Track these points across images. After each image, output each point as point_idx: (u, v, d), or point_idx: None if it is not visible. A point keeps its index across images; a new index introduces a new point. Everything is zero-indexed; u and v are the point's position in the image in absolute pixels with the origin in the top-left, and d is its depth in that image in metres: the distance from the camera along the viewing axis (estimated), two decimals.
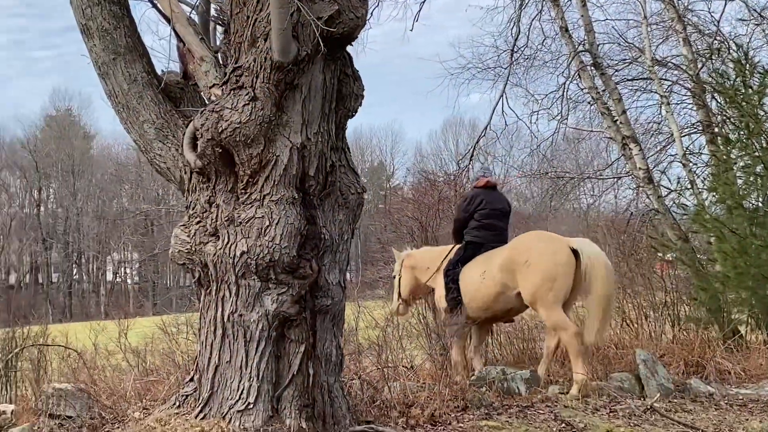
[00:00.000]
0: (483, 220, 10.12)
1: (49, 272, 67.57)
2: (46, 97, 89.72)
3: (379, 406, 8.53)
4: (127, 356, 11.47)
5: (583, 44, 16.42)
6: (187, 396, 7.52)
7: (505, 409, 8.87)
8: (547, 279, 9.24)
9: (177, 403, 7.53)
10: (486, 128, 16.89)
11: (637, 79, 18.99)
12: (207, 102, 7.59)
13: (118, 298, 67.06)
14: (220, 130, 6.97)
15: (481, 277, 9.77)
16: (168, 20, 7.76)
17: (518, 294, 9.53)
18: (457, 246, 10.42)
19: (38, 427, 8.35)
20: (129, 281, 71.85)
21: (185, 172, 7.60)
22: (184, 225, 7.48)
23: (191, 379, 7.61)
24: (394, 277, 11.28)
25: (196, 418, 7.16)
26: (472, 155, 16.95)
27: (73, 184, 66.83)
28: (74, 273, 71.00)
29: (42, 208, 69.28)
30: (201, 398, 7.27)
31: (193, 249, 7.32)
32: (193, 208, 7.48)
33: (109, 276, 71.96)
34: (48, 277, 67.70)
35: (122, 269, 71.80)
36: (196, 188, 7.47)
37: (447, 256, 10.43)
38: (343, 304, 7.66)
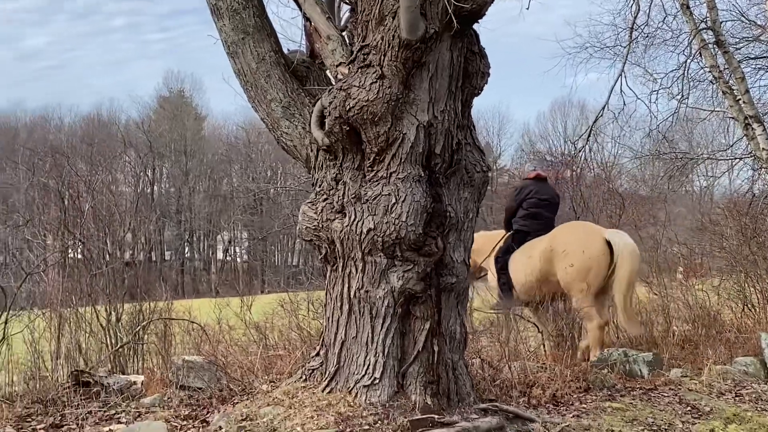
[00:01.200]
0: (530, 209, 10.70)
1: (162, 250, 69.44)
2: (159, 79, 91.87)
3: (500, 386, 8.51)
4: (248, 331, 11.70)
5: (705, 21, 15.96)
6: (313, 370, 7.65)
7: (628, 391, 8.77)
8: (582, 269, 9.78)
9: (303, 377, 7.67)
10: (604, 108, 16.58)
11: (760, 58, 18.37)
12: (333, 81, 7.66)
13: (228, 276, 68.61)
14: (347, 108, 7.03)
15: (525, 265, 10.36)
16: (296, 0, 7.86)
17: (558, 281, 10.10)
18: (507, 234, 11.00)
19: (168, 398, 8.61)
20: (238, 260, 73.20)
21: (311, 150, 7.69)
22: (311, 202, 7.58)
23: (317, 354, 7.74)
24: None
25: (323, 391, 7.28)
26: (589, 135, 16.70)
27: (185, 164, 68.41)
28: (186, 251, 72.72)
29: (155, 188, 71.15)
30: (327, 372, 7.39)
31: (320, 226, 7.42)
32: (319, 186, 7.58)
33: (220, 254, 73.44)
34: (161, 255, 69.58)
35: (232, 248, 73.17)
36: (322, 166, 7.56)
37: (499, 242, 11.00)
38: (467, 283, 7.67)
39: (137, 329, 10.48)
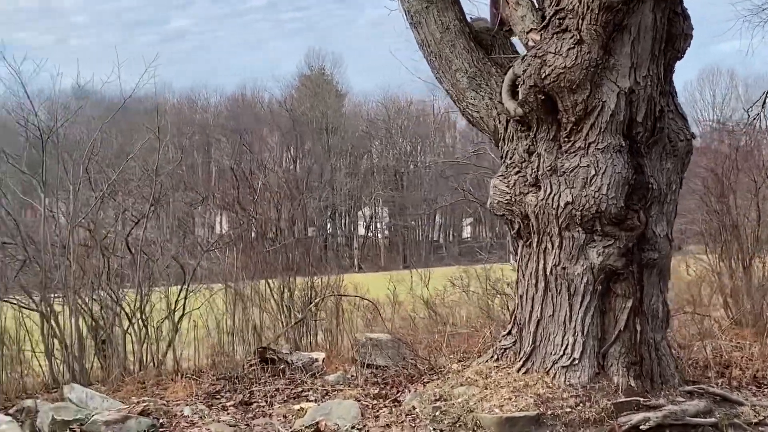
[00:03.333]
0: None
1: (305, 226, 70.33)
2: (300, 57, 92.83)
3: (693, 366, 8.08)
4: (419, 307, 11.52)
5: None
6: (505, 349, 7.40)
7: None
8: None
9: (495, 357, 7.43)
10: None
11: None
12: (525, 48, 7.32)
13: (369, 252, 69.13)
14: (543, 76, 6.70)
15: None
16: None
17: None
18: None
19: (351, 375, 8.53)
20: (379, 236, 73.59)
21: (499, 122, 7.39)
22: (502, 175, 7.28)
23: (509, 333, 7.48)
24: None
25: (518, 371, 7.03)
26: (764, 102, 15.74)
27: (326, 141, 69.04)
28: (328, 227, 73.55)
29: (298, 165, 72.12)
30: (522, 352, 7.12)
31: (513, 200, 7.13)
32: (510, 158, 7.27)
33: (361, 230, 73.97)
34: (305, 231, 70.49)
35: (373, 224, 73.65)
36: (513, 137, 7.25)
37: None
38: (669, 258, 7.24)
39: (311, 306, 10.43)
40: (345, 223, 74.78)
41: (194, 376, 8.80)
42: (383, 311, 11.13)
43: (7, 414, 7.16)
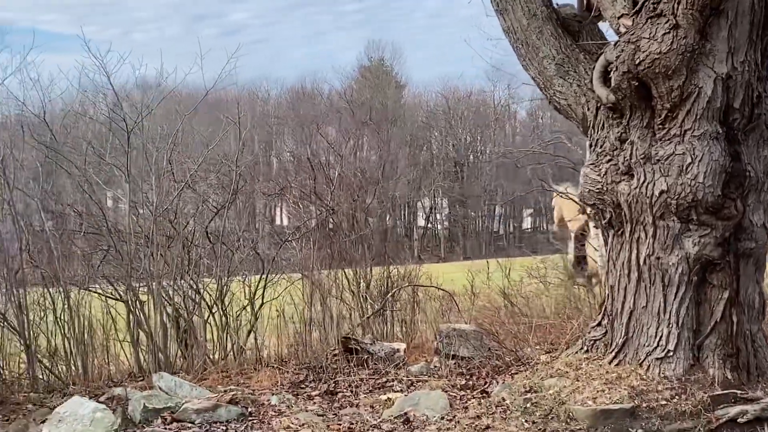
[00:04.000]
0: None
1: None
2: (360, 49, 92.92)
3: None
4: (492, 297, 11.44)
5: None
6: (595, 341, 7.28)
7: None
8: None
9: (585, 348, 7.32)
10: None
11: None
12: (615, 34, 7.18)
13: (428, 243, 69.06)
14: (637, 62, 6.55)
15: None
16: None
17: None
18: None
19: (434, 366, 8.49)
20: (439, 226, 73.48)
21: (588, 109, 7.27)
22: (593, 164, 7.15)
23: (598, 324, 7.36)
24: (553, 207, 14.32)
25: (609, 363, 6.91)
26: None
27: (387, 132, 69.05)
28: (387, 218, 73.57)
29: (358, 156, 72.23)
30: (614, 344, 7.00)
31: (605, 188, 6.99)
32: (601, 146, 7.13)
33: (420, 221, 73.91)
34: (365, 221, 70.61)
35: (433, 214, 73.53)
36: (603, 125, 7.11)
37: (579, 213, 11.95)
38: (766, 248, 7.04)
39: (388, 296, 10.41)
40: (404, 214, 74.79)
41: (277, 366, 8.84)
42: (459, 301, 11.06)
43: (98, 402, 7.22)
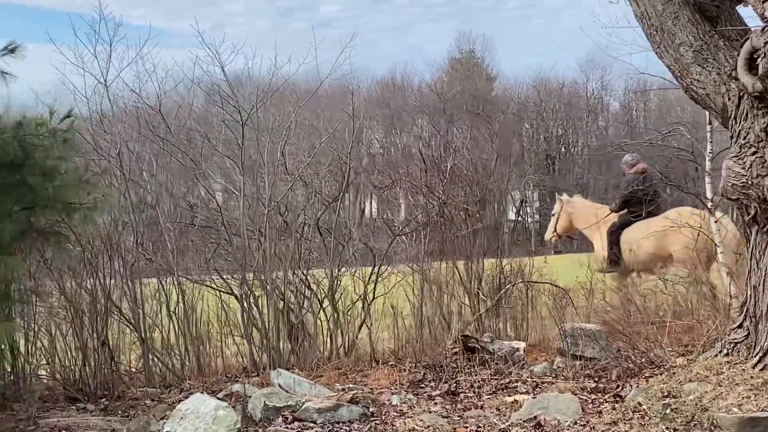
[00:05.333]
0: (645, 198, 12.26)
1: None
2: (451, 41, 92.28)
3: None
4: (607, 294, 11.01)
5: None
6: (736, 343, 6.88)
7: None
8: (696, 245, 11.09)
9: (725, 351, 6.92)
10: None
11: None
12: (761, 19, 6.73)
13: (519, 237, 68.29)
14: None
15: (642, 239, 12.01)
16: None
17: (669, 255, 11.92)
18: (618, 213, 12.97)
19: (557, 366, 8.17)
20: (529, 220, 72.63)
21: (728, 98, 6.84)
22: (736, 156, 6.72)
23: (739, 326, 6.94)
24: (553, 215, 14.62)
25: (753, 368, 6.50)
26: None
27: (477, 125, 68.54)
28: (477, 211, 72.87)
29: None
30: (759, 347, 6.58)
31: (749, 182, 6.57)
32: (744, 138, 6.70)
33: (511, 215, 73.12)
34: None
35: (523, 207, 72.73)
36: (747, 115, 6.68)
37: (605, 217, 12.93)
38: None
39: (501, 292, 10.10)
40: (495, 207, 73.79)
41: (392, 363, 8.64)
42: (573, 298, 10.67)
43: (217, 398, 7.11)
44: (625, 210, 12.84)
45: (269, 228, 9.09)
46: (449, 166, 10.34)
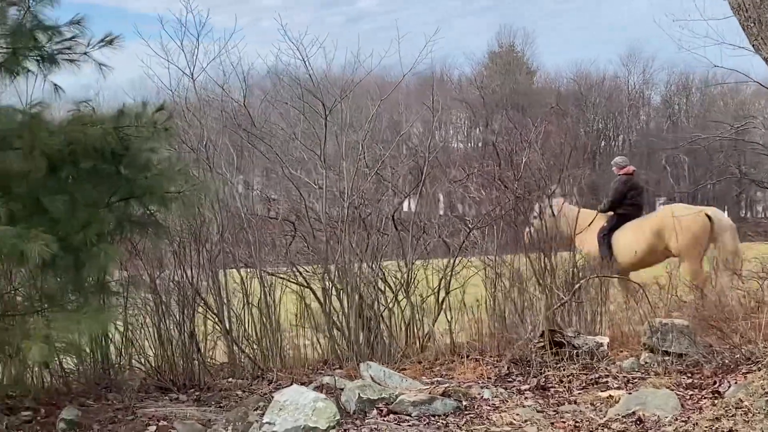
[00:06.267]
0: (633, 199, 13.36)
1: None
2: (491, 34, 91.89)
3: None
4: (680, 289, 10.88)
5: None
6: None
7: None
8: (694, 239, 12.26)
9: None
10: None
11: None
12: None
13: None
14: None
15: (634, 238, 12.63)
16: None
17: (663, 250, 12.55)
18: (608, 215, 13.38)
19: (645, 362, 8.10)
20: None
21: None
22: None
23: None
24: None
25: None
26: None
27: (518, 119, 68.24)
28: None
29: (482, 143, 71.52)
30: None
31: None
32: None
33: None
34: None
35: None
36: None
37: (592, 221, 12.87)
38: None
39: (577, 285, 10.02)
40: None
41: (473, 357, 8.61)
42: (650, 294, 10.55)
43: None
44: (613, 212, 13.38)
45: (348, 221, 9.09)
46: (523, 160, 10.25)
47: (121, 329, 7.92)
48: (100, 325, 6.47)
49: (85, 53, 6.71)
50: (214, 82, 9.11)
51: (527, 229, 10.81)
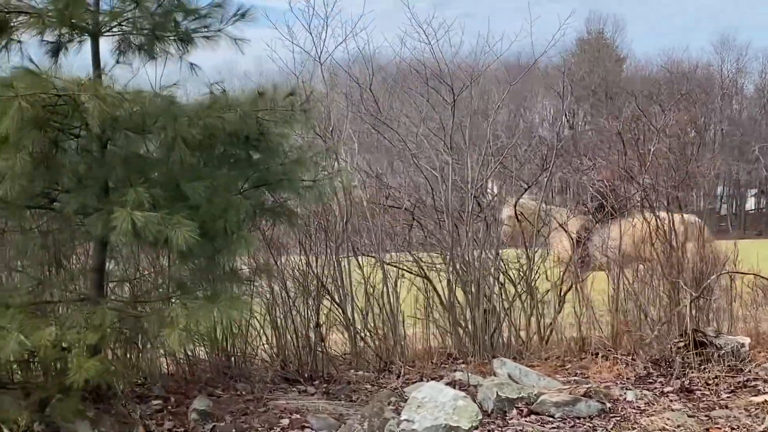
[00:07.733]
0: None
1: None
2: (580, 21, 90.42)
3: None
4: None
5: None
6: None
7: None
8: None
9: None
10: None
11: None
12: None
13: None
14: None
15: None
16: None
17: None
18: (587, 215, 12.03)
19: None
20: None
21: None
22: None
23: None
24: None
25: None
26: None
27: (605, 107, 66.90)
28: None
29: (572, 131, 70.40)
30: None
31: None
32: None
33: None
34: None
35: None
36: None
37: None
38: None
39: (706, 283, 9.53)
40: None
41: (606, 354, 8.24)
42: None
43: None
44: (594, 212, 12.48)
45: (470, 211, 8.79)
46: (651, 150, 9.78)
47: (248, 318, 7.74)
48: (237, 314, 6.26)
49: (219, 30, 6.49)
50: (339, 66, 8.83)
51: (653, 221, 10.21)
